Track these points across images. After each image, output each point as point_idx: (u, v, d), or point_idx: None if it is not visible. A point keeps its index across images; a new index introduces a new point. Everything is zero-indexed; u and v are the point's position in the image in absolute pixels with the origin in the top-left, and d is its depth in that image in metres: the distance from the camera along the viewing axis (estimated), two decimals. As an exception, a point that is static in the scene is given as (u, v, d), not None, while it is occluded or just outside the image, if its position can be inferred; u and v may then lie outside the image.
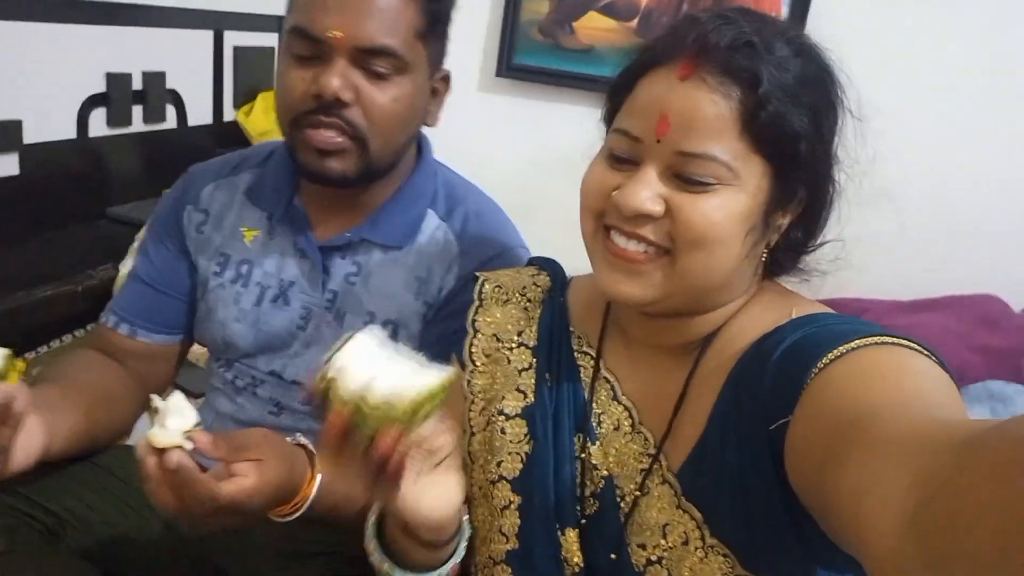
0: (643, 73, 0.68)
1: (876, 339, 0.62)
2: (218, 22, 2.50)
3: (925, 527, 0.39)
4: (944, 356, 0.63)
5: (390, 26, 0.84)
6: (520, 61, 2.41)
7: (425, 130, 1.03)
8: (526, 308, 0.84)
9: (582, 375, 0.79)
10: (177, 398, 0.66)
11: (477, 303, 0.86)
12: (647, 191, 0.64)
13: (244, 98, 2.67)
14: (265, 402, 1.02)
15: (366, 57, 0.85)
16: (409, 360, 0.59)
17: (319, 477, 0.78)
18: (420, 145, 1.03)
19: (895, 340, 0.62)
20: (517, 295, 0.86)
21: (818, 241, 0.75)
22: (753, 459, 0.66)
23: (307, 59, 0.86)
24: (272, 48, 2.76)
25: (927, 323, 1.80)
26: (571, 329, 0.82)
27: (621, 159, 0.68)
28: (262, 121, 2.63)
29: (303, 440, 0.81)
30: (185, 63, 2.36)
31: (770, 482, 0.64)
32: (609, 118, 0.74)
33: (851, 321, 0.68)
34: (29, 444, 0.75)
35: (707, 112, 0.63)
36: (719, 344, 0.72)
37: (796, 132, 0.65)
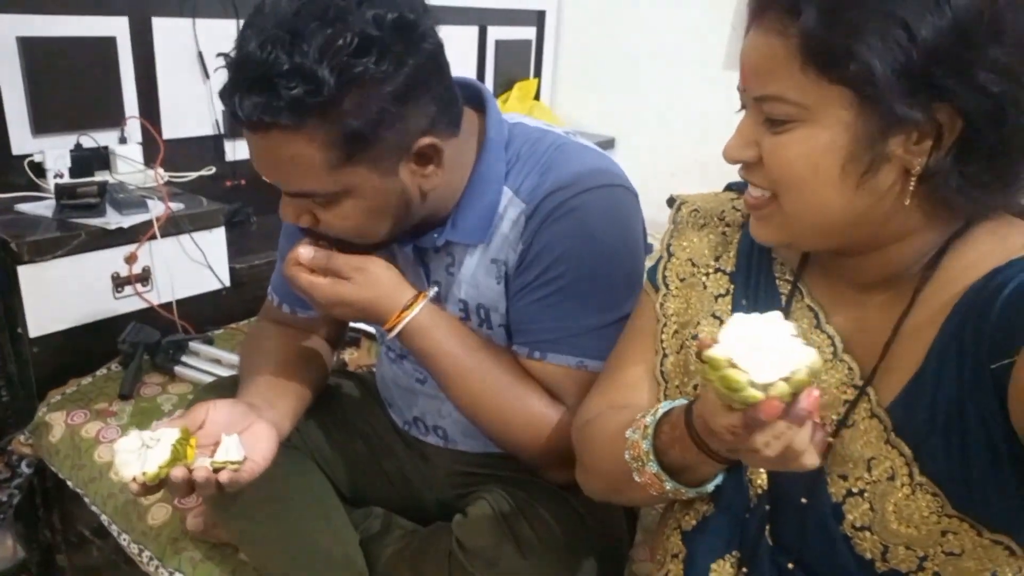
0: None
1: None
2: (483, 18, 2.76)
3: None
4: None
5: (297, 175, 0.79)
6: (769, 35, 2.34)
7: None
8: (724, 233, 0.84)
9: (783, 301, 0.77)
10: (234, 439, 0.83)
11: (672, 227, 0.87)
12: (737, 139, 0.68)
13: (502, 88, 2.91)
14: (412, 372, 1.07)
15: (302, 194, 0.83)
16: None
17: (418, 307, 0.90)
18: (483, 124, 0.94)
19: None
20: (715, 219, 0.85)
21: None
22: (974, 398, 0.61)
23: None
24: (530, 41, 2.98)
25: None
26: (772, 255, 0.80)
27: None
28: (517, 109, 2.86)
29: (430, 291, 0.93)
30: (452, 57, 2.65)
31: (991, 422, 0.60)
32: None
33: None
34: (264, 447, 0.84)
35: (762, 54, 0.64)
36: (940, 279, 0.67)
37: (856, 48, 0.58)
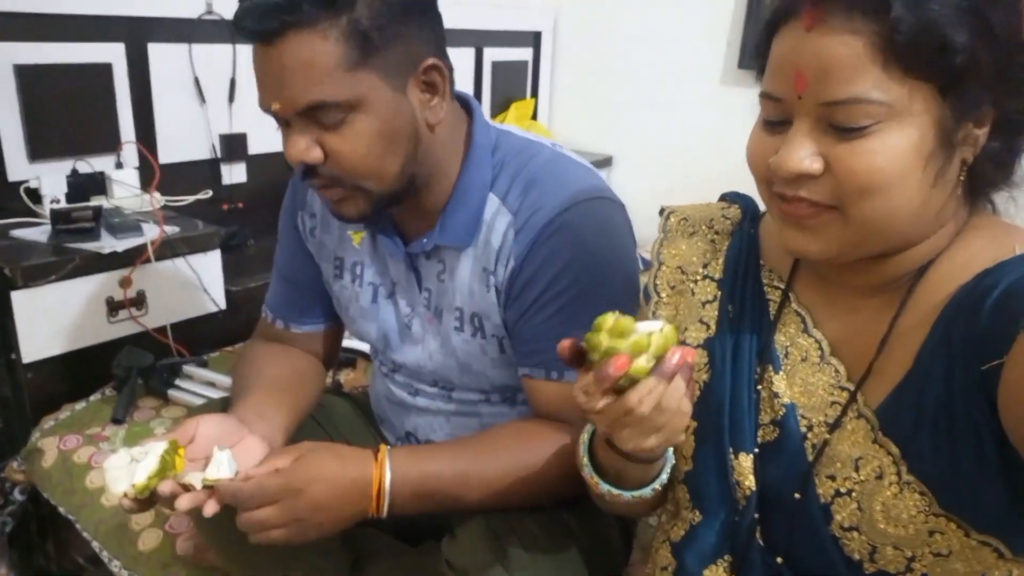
0: (774, 32, 0.67)
1: None
2: (479, 40, 2.78)
3: None
4: None
5: (312, 80, 0.80)
6: (764, 49, 2.35)
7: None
8: (713, 241, 0.85)
9: (770, 308, 0.78)
10: (226, 453, 0.81)
11: (662, 236, 0.88)
12: (801, 150, 0.63)
13: (500, 108, 2.92)
14: (403, 385, 1.10)
15: (314, 115, 0.82)
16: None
17: (388, 469, 0.85)
18: (471, 128, 0.97)
19: None
20: (704, 227, 0.86)
21: None
22: (963, 399, 0.61)
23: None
24: (526, 61, 3.00)
25: None
26: (761, 262, 0.81)
27: (773, 123, 0.67)
28: (515, 128, 2.87)
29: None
30: (449, 77, 2.66)
31: (980, 423, 0.60)
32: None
33: None
34: (255, 462, 0.84)
35: (840, 55, 0.60)
36: (931, 282, 0.68)
37: (947, 40, 0.59)
